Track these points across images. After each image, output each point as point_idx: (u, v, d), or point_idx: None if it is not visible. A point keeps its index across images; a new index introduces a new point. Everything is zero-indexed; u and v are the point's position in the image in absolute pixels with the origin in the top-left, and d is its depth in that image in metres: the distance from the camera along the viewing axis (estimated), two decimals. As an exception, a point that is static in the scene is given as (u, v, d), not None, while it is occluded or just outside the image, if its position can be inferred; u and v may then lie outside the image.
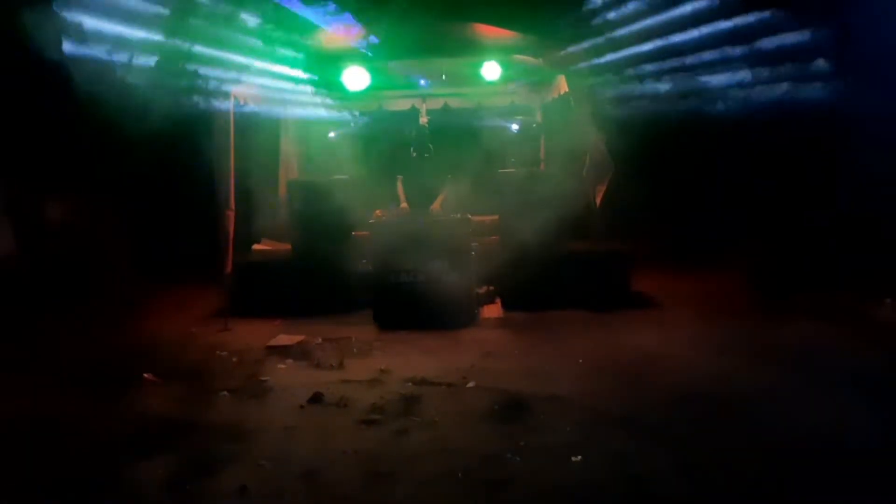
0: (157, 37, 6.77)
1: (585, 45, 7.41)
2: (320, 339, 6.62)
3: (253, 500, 3.49)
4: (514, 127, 9.76)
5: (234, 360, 6.12)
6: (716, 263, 8.83)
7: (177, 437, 4.32)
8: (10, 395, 5.24)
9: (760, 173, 8.76)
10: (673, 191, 9.35)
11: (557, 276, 7.59)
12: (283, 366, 5.92)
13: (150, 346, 6.59)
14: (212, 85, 7.36)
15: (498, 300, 7.98)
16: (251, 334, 6.93)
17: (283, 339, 6.64)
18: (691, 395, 4.89)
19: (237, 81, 7.44)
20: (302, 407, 4.84)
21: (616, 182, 7.65)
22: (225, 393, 5.19)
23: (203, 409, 4.86)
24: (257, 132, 9.29)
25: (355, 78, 8.33)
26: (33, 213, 9.47)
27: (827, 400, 4.66)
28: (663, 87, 7.86)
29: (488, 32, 7.90)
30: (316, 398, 4.94)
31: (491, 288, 8.07)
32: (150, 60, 7.01)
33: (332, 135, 9.57)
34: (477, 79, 8.47)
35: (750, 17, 8.07)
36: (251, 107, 8.04)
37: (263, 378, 5.53)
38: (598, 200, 7.61)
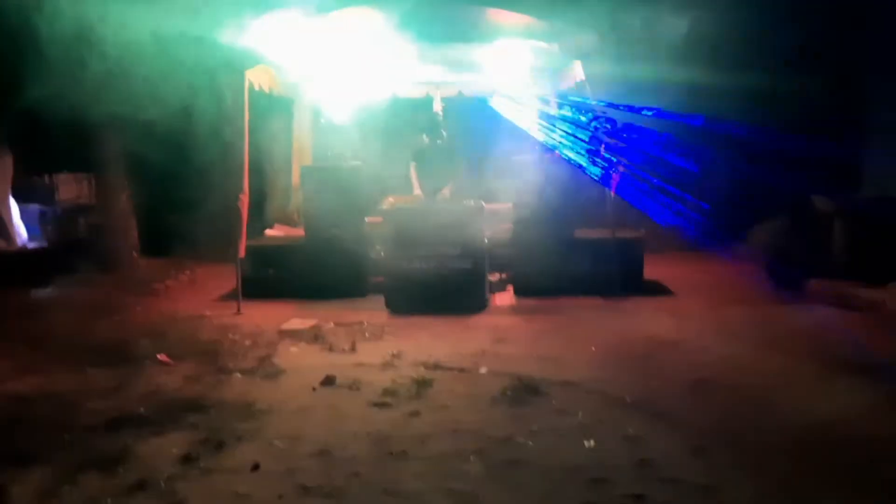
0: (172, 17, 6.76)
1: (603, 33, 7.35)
2: (332, 324, 6.63)
3: (266, 476, 3.51)
4: (530, 111, 9.70)
5: (247, 342, 6.13)
6: (728, 252, 8.77)
7: (190, 415, 4.34)
8: (25, 372, 5.29)
9: (771, 160, 8.71)
10: (682, 177, 9.30)
11: (570, 263, 7.57)
12: (295, 349, 5.94)
13: (163, 328, 6.63)
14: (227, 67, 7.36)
15: (510, 287, 7.98)
16: (264, 318, 6.95)
17: (296, 323, 6.66)
18: (704, 381, 4.89)
19: (252, 64, 7.42)
20: (314, 389, 4.85)
21: (632, 168, 7.60)
22: (238, 374, 5.21)
23: (216, 390, 4.88)
24: (271, 117, 9.33)
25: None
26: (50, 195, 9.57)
27: (838, 388, 4.67)
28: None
29: (503, 17, 7.84)
30: (328, 381, 4.95)
31: (503, 275, 8.07)
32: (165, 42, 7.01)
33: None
34: (491, 66, 8.42)
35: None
36: (265, 91, 8.03)
37: (276, 360, 5.55)
38: (613, 187, 7.56)
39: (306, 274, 7.87)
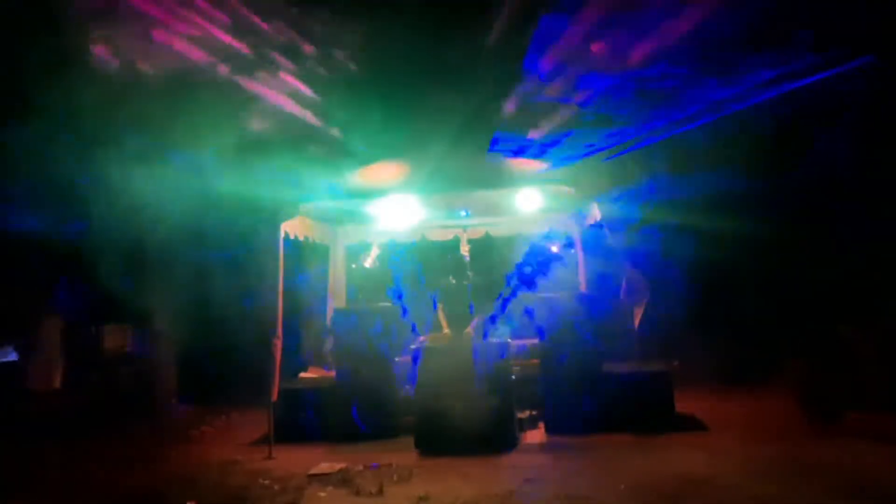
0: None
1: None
2: (361, 466, 6.66)
3: None
4: (553, 252, 10.02)
5: (276, 487, 6.18)
6: (762, 382, 8.66)
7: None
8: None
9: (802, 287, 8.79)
10: (714, 309, 9.38)
11: (599, 399, 7.55)
12: (323, 493, 5.96)
13: (195, 474, 6.72)
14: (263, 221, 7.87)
15: (540, 424, 7.94)
16: (294, 461, 7.00)
17: (325, 467, 6.70)
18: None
19: (287, 217, 7.92)
20: (339, 535, 4.86)
21: (654, 303, 7.74)
22: (265, 521, 5.25)
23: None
24: (306, 263, 9.79)
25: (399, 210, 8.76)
26: (89, 343, 10.00)
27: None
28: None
29: (522, 164, 8.33)
30: (353, 525, 4.96)
31: (533, 412, 8.05)
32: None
33: (367, 264, 10.01)
34: (515, 208, 8.83)
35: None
36: (300, 239, 8.51)
37: (303, 505, 5.59)
38: (636, 322, 7.67)
39: (338, 416, 7.97)
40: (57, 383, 9.68)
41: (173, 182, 7.30)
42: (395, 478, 6.30)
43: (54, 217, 8.01)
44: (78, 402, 9.58)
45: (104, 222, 7.95)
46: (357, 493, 5.89)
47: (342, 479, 6.27)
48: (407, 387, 7.97)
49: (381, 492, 5.86)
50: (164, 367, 9.78)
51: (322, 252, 10.08)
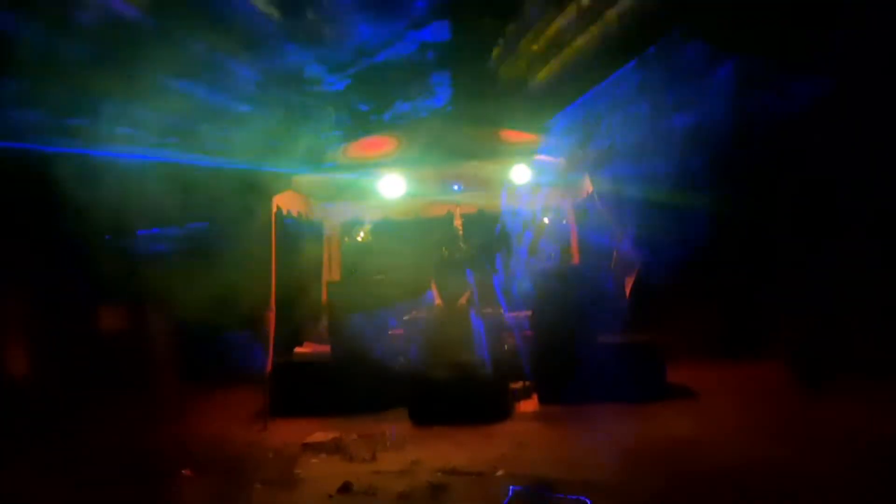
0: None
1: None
2: (355, 435, 6.70)
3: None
4: (545, 222, 10.05)
5: (270, 455, 6.23)
6: (753, 352, 8.70)
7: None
8: (54, 489, 5.45)
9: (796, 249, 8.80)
10: (705, 279, 9.41)
11: (592, 369, 7.59)
12: (316, 460, 6.01)
13: (191, 445, 6.76)
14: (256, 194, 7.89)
15: (534, 395, 7.99)
16: (289, 432, 7.04)
17: (319, 436, 6.73)
18: (726, 481, 4.81)
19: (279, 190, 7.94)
20: (331, 496, 4.91)
21: (645, 274, 7.77)
22: (258, 485, 5.29)
23: (236, 501, 4.97)
24: (301, 238, 9.81)
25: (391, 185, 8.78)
26: (86, 322, 9.97)
27: (870, 488, 4.54)
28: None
29: (513, 136, 8.32)
30: (345, 488, 5.01)
31: (526, 383, 8.10)
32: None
33: (359, 237, 10.06)
34: (507, 182, 8.84)
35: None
36: (294, 215, 8.52)
37: (297, 471, 5.64)
38: (627, 293, 7.71)
39: (333, 389, 8.00)
40: (42, 365, 9.63)
41: (160, 154, 7.30)
42: (388, 445, 6.35)
43: (42, 191, 8.00)
44: (71, 381, 9.59)
45: (95, 199, 7.94)
46: (350, 460, 5.93)
47: (335, 447, 6.31)
48: (401, 359, 8.01)
49: (373, 458, 5.91)
50: (160, 344, 9.78)
51: (316, 227, 10.10)
